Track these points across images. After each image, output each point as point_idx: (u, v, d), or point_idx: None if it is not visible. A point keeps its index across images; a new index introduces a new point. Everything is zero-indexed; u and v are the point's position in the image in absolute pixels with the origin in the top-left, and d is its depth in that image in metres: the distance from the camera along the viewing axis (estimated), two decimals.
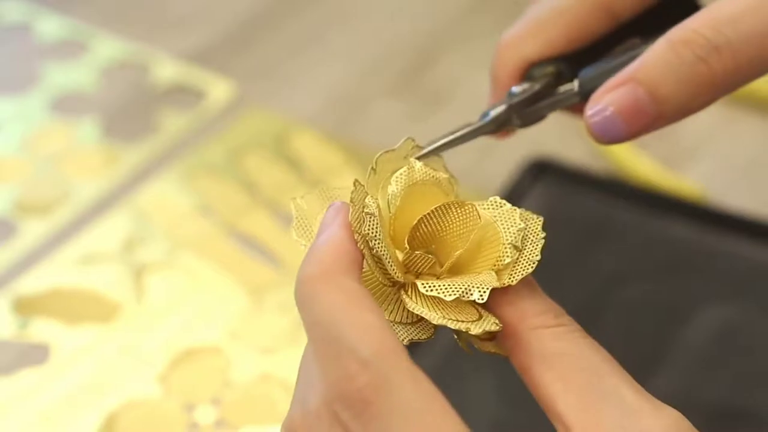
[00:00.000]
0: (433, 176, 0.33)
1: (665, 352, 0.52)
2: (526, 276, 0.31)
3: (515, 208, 0.32)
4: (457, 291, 0.30)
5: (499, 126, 0.37)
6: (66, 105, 0.73)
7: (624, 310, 0.55)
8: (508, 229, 0.32)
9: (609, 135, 0.34)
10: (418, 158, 0.33)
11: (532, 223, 0.32)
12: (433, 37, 0.79)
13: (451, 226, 0.32)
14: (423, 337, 0.31)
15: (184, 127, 0.71)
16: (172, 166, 0.68)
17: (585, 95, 0.36)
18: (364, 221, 0.30)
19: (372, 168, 0.32)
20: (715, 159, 0.68)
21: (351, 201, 0.31)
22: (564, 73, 0.38)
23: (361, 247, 0.31)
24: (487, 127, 0.37)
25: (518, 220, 0.32)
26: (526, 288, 0.32)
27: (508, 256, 0.31)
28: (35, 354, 0.55)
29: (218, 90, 0.74)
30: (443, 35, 0.79)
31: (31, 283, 0.59)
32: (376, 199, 0.31)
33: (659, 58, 0.33)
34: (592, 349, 0.30)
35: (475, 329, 0.30)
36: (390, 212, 0.32)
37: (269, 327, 0.57)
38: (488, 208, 0.33)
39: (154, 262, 0.61)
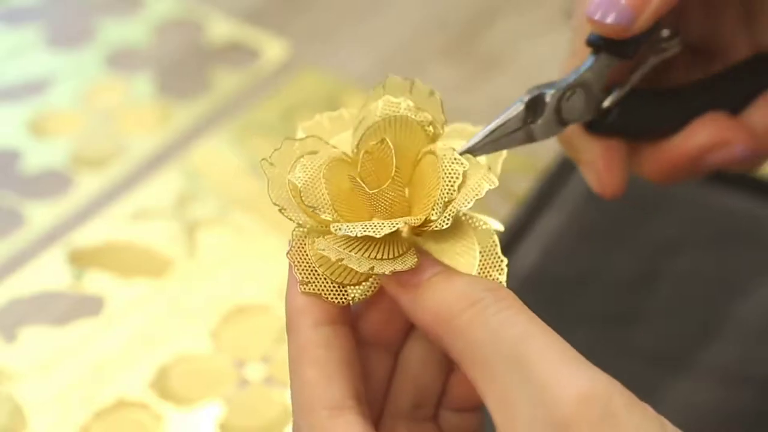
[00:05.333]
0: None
1: (718, 324, 0.52)
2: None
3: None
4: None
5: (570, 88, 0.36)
6: (121, 60, 0.74)
7: (677, 280, 0.55)
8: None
9: (622, 21, 0.34)
10: (465, 152, 0.32)
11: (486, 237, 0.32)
12: (489, 1, 0.78)
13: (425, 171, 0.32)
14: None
15: (238, 86, 0.71)
16: (225, 124, 0.68)
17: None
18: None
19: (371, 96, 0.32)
20: None
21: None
22: None
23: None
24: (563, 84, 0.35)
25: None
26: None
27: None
28: (89, 305, 0.56)
29: (272, 49, 0.74)
30: None
31: (85, 236, 0.60)
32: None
33: None
34: (505, 326, 0.27)
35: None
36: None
37: None
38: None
39: (206, 219, 0.61)
